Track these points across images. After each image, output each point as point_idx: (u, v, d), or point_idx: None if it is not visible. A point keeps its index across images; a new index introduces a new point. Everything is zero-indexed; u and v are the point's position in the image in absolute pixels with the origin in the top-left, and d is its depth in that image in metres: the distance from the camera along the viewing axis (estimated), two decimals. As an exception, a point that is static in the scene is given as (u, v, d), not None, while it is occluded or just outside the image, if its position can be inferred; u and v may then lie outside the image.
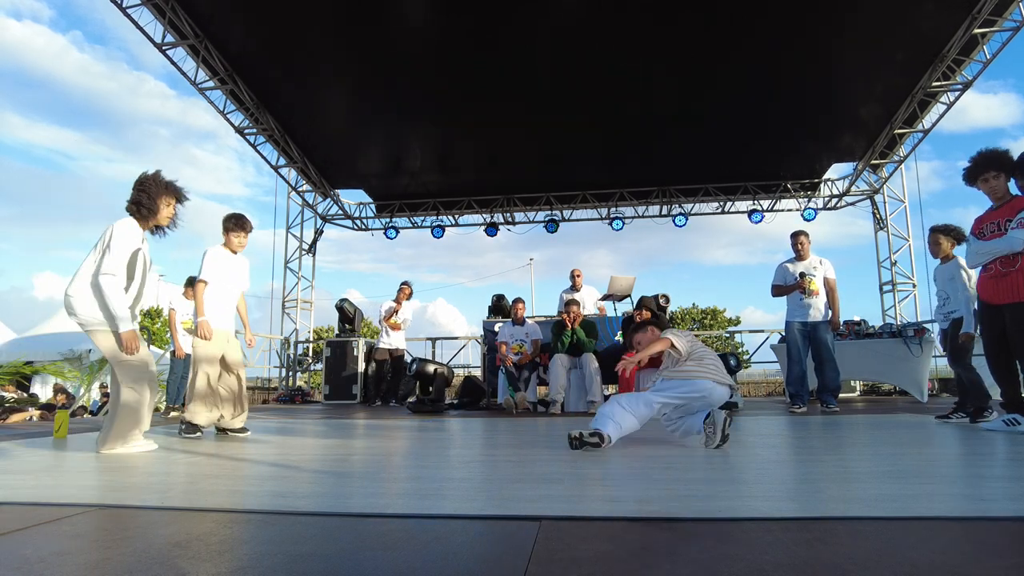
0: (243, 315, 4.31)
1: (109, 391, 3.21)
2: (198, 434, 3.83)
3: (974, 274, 4.05)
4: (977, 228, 3.65)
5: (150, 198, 3.25)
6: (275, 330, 11.28)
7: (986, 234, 3.56)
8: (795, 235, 5.70)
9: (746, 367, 12.49)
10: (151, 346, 8.61)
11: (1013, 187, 3.53)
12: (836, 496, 1.76)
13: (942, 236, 4.28)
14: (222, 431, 4.01)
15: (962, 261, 4.17)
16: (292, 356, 11.32)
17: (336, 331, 9.32)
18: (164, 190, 3.33)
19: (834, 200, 11.21)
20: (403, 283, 7.88)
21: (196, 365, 3.89)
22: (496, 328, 6.86)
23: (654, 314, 5.80)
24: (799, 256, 5.67)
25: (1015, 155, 3.50)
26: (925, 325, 7.15)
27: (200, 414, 3.83)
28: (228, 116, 9.05)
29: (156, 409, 8.69)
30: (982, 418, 3.89)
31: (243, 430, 4.00)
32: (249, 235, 4.17)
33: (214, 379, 3.93)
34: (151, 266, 3.43)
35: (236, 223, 4.09)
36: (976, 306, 3.88)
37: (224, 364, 4.05)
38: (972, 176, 3.60)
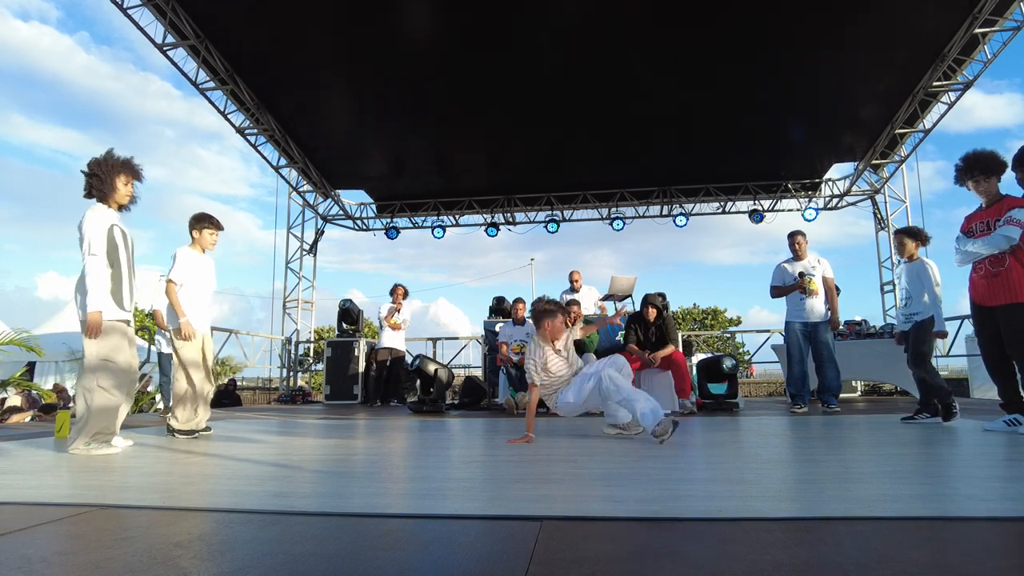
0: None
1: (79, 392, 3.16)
2: (196, 435, 3.85)
3: (938, 274, 4.14)
4: (967, 226, 3.66)
5: (101, 180, 3.15)
6: (276, 330, 11.29)
7: (975, 232, 3.57)
8: (792, 235, 5.69)
9: (745, 368, 12.41)
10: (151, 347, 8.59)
11: (1012, 183, 3.53)
12: (837, 496, 1.76)
13: (906, 237, 4.35)
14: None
15: (928, 262, 4.21)
16: (293, 356, 11.32)
17: (337, 331, 9.33)
18: (119, 169, 3.23)
19: (835, 200, 11.19)
20: (396, 285, 7.93)
21: (181, 368, 3.87)
22: (497, 328, 6.87)
23: (660, 312, 5.81)
24: (796, 256, 5.66)
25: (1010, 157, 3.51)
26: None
27: (188, 420, 3.85)
28: (229, 116, 9.04)
29: (155, 410, 8.75)
30: (952, 416, 3.98)
31: (206, 428, 4.02)
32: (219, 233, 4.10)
33: (198, 381, 3.92)
34: (135, 245, 3.37)
35: (211, 220, 4.04)
36: (970, 308, 3.88)
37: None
38: (963, 176, 3.60)
